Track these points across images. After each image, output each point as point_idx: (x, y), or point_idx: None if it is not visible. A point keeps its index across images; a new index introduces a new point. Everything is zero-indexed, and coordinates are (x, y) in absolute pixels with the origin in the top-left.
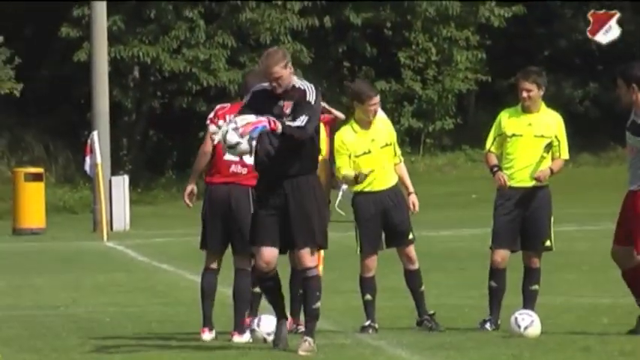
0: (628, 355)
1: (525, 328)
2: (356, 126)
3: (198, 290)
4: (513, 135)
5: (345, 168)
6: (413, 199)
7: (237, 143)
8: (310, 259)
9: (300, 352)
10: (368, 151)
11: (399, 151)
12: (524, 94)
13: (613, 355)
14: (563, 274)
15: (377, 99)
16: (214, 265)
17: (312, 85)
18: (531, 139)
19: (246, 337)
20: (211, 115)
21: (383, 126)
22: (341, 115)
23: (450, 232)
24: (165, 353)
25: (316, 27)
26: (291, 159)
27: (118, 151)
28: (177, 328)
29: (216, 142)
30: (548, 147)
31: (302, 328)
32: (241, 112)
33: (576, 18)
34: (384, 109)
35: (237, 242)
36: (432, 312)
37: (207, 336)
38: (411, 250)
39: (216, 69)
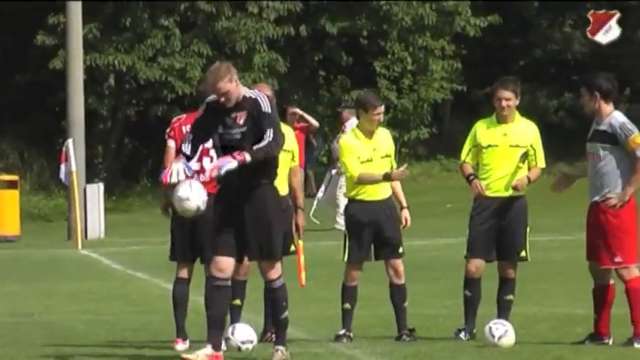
0: None
1: (499, 337)
2: (359, 134)
3: (171, 299)
4: (489, 146)
5: (357, 169)
6: (405, 214)
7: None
8: (274, 270)
9: None
10: (370, 159)
11: (395, 164)
12: (504, 103)
13: None
14: (538, 284)
15: (381, 109)
16: (185, 275)
17: (262, 94)
18: (507, 149)
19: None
20: (168, 129)
21: (385, 137)
22: (315, 123)
23: (425, 242)
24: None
25: (292, 36)
26: (248, 170)
27: (93, 159)
28: (151, 337)
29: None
30: (524, 157)
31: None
32: (194, 126)
33: (552, 28)
34: (359, 118)
35: (207, 251)
36: (411, 327)
37: (181, 346)
38: (400, 264)
39: (191, 77)
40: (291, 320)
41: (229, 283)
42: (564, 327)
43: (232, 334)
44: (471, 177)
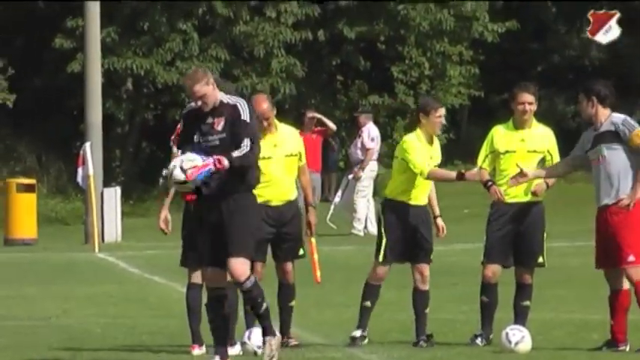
0: None
1: (516, 343)
2: (422, 138)
3: (185, 305)
4: (507, 152)
5: (427, 165)
6: (441, 222)
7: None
8: (242, 271)
9: (266, 358)
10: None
11: None
12: (527, 107)
13: None
14: (555, 289)
15: (442, 111)
16: (197, 280)
17: (242, 100)
18: (524, 154)
19: (236, 349)
20: (173, 135)
21: (438, 146)
22: (333, 126)
23: (442, 247)
24: None
25: (310, 40)
26: (230, 177)
27: (111, 163)
28: (168, 341)
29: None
30: (542, 162)
31: (293, 342)
32: (180, 142)
33: (569, 34)
34: (376, 122)
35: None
36: (429, 333)
37: (197, 352)
38: (426, 269)
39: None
40: (307, 325)
41: (224, 292)
42: (580, 333)
43: (249, 338)
44: (489, 183)
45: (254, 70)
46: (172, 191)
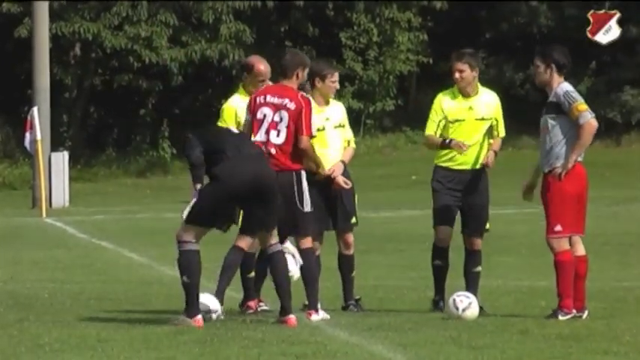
0: (566, 338)
1: (463, 310)
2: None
3: (136, 267)
4: (456, 120)
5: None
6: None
7: None
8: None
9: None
10: (322, 128)
11: (351, 135)
12: (457, 75)
13: (551, 338)
14: (502, 257)
15: (336, 76)
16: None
17: None
18: (473, 122)
19: (320, 315)
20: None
21: (337, 108)
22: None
23: (390, 214)
24: (103, 330)
25: (259, 7)
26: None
27: (59, 128)
28: (116, 306)
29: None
30: (490, 129)
31: (264, 306)
32: None
33: (518, 2)
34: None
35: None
36: (357, 297)
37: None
38: (350, 236)
39: (158, 47)
40: (266, 293)
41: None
42: (528, 300)
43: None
44: (447, 140)
45: (203, 36)
46: None
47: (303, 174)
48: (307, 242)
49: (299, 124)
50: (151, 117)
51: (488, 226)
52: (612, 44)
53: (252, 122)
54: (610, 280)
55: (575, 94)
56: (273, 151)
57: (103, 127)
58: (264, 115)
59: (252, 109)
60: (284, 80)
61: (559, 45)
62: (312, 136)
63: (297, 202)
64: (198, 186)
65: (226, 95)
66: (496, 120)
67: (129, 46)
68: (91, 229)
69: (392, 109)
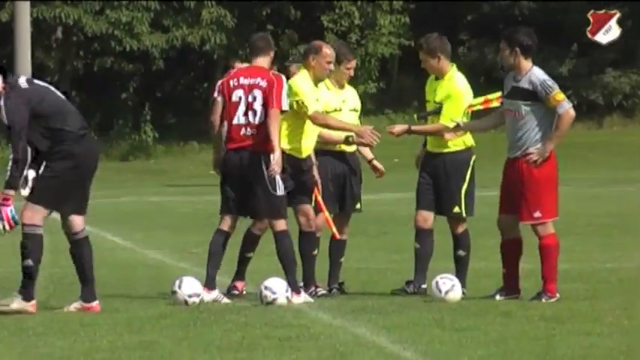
0: (549, 319)
1: (446, 292)
2: (329, 84)
3: (119, 251)
4: (427, 102)
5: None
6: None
7: None
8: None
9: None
10: (339, 109)
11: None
12: (423, 65)
13: (534, 319)
14: (484, 239)
15: (354, 63)
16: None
17: None
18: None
19: (302, 298)
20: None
21: (353, 93)
22: None
23: (372, 196)
24: (86, 315)
25: None
26: None
27: None
28: (99, 290)
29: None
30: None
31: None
32: None
33: None
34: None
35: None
36: (341, 281)
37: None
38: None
39: (139, 32)
40: (231, 273)
41: None
42: None
43: (179, 287)
44: (412, 128)
45: (184, 21)
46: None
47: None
48: (281, 225)
49: (269, 99)
50: (133, 101)
51: (458, 210)
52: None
53: (228, 106)
54: (593, 262)
55: (552, 82)
56: (253, 131)
57: (85, 111)
58: (240, 98)
59: (226, 92)
60: (255, 60)
61: (524, 27)
62: (282, 111)
63: (269, 185)
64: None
65: (208, 79)
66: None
67: (110, 31)
68: None
69: (374, 92)
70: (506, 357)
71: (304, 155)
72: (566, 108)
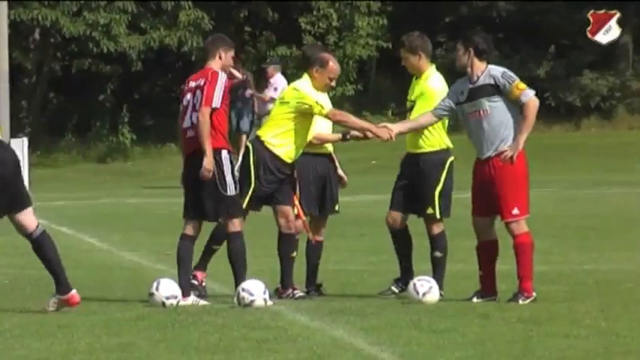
0: (526, 321)
1: (424, 294)
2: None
3: (97, 253)
4: (408, 101)
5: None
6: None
7: None
8: None
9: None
10: None
11: None
12: (403, 62)
13: (511, 321)
14: (461, 240)
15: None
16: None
17: None
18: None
19: (190, 300)
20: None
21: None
22: (240, 75)
23: (350, 198)
24: (63, 316)
25: None
26: None
27: (18, 114)
28: (77, 292)
29: None
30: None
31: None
32: None
33: None
34: (284, 74)
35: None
36: (319, 282)
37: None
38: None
39: (116, 34)
40: (217, 276)
41: None
42: None
43: (157, 289)
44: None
45: (162, 23)
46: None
47: (224, 155)
48: (234, 225)
49: (202, 96)
50: (111, 102)
51: (431, 211)
52: (573, 27)
53: (181, 111)
54: (570, 264)
55: (511, 73)
56: (193, 133)
57: (63, 112)
58: (188, 101)
59: (181, 97)
60: (207, 63)
61: (483, 32)
62: (213, 109)
63: (219, 185)
64: None
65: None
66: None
67: (87, 32)
68: (51, 214)
69: (352, 94)
70: (483, 359)
71: (290, 160)
72: (530, 96)
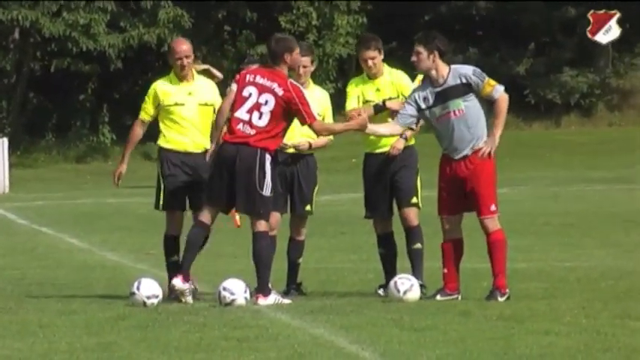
0: (507, 319)
1: (405, 292)
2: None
3: (77, 253)
4: (366, 101)
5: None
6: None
7: None
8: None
9: None
10: None
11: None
12: (370, 63)
13: (492, 319)
14: (435, 239)
15: (307, 60)
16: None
17: None
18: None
19: (271, 299)
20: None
21: (320, 95)
22: (220, 75)
23: (331, 197)
24: (44, 316)
25: None
26: None
27: None
28: (57, 291)
29: None
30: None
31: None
32: None
33: None
34: None
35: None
36: (299, 281)
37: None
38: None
39: (96, 33)
40: (198, 275)
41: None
42: (470, 281)
43: (138, 288)
44: (381, 102)
45: (141, 21)
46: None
47: (268, 157)
48: (261, 225)
49: (299, 115)
50: (91, 102)
51: (416, 200)
52: (553, 25)
53: (237, 97)
54: (551, 261)
55: (480, 70)
56: (252, 132)
57: (43, 112)
58: (250, 94)
59: (240, 84)
60: (274, 66)
61: (438, 31)
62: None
63: (257, 184)
64: None
65: None
66: (404, 96)
67: (67, 32)
68: (31, 214)
69: (332, 93)
70: (464, 356)
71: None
72: (501, 91)
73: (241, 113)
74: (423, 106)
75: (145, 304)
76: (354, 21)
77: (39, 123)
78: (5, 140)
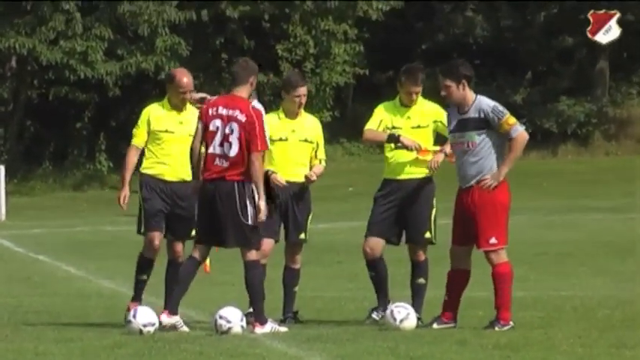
0: (503, 347)
1: (401, 321)
2: (281, 114)
3: (74, 281)
4: (394, 127)
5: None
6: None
7: None
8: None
9: None
10: (285, 138)
11: (322, 154)
12: (414, 97)
13: (488, 348)
14: (442, 267)
15: (302, 90)
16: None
17: None
18: (409, 131)
19: (268, 328)
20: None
21: (311, 123)
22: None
23: (327, 225)
24: (40, 344)
25: (194, 20)
26: None
27: None
28: (54, 319)
29: None
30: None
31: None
32: None
33: (455, 13)
34: (261, 101)
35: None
36: (295, 310)
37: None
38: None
39: (93, 61)
40: (193, 303)
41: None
42: (466, 310)
43: (134, 316)
44: (396, 135)
45: (139, 49)
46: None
47: (247, 188)
48: (251, 255)
49: (252, 139)
50: (88, 130)
51: (429, 236)
52: (550, 54)
53: (205, 134)
54: (547, 289)
55: (502, 108)
56: (227, 164)
57: (40, 140)
58: (217, 127)
59: (204, 120)
60: (235, 89)
61: (458, 59)
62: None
63: (241, 215)
64: None
65: None
66: (442, 124)
67: (64, 60)
68: (28, 242)
69: (329, 121)
70: None
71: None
72: (520, 131)
73: (214, 148)
74: (449, 129)
75: (141, 332)
76: (351, 49)
77: (36, 151)
78: (2, 168)
